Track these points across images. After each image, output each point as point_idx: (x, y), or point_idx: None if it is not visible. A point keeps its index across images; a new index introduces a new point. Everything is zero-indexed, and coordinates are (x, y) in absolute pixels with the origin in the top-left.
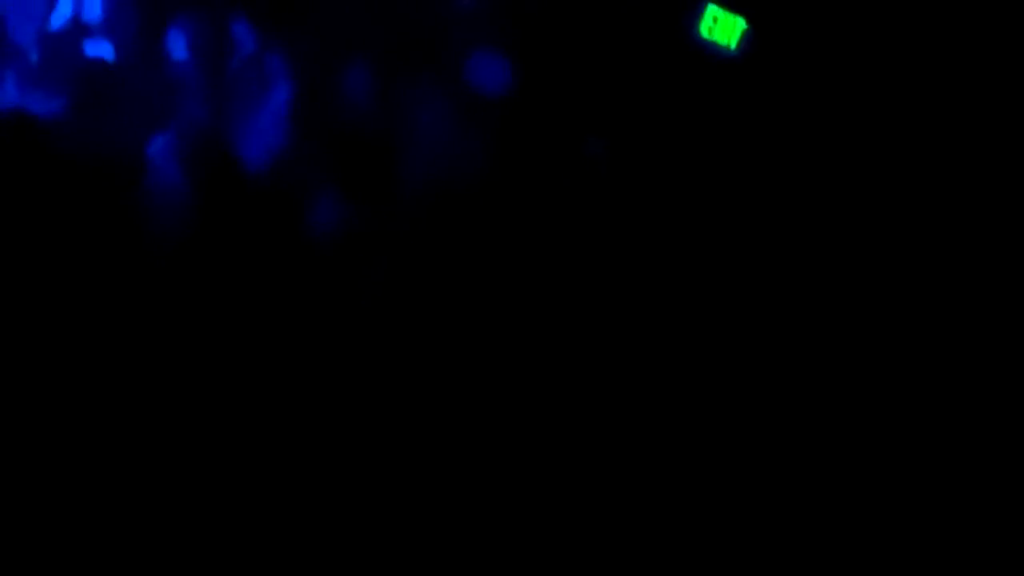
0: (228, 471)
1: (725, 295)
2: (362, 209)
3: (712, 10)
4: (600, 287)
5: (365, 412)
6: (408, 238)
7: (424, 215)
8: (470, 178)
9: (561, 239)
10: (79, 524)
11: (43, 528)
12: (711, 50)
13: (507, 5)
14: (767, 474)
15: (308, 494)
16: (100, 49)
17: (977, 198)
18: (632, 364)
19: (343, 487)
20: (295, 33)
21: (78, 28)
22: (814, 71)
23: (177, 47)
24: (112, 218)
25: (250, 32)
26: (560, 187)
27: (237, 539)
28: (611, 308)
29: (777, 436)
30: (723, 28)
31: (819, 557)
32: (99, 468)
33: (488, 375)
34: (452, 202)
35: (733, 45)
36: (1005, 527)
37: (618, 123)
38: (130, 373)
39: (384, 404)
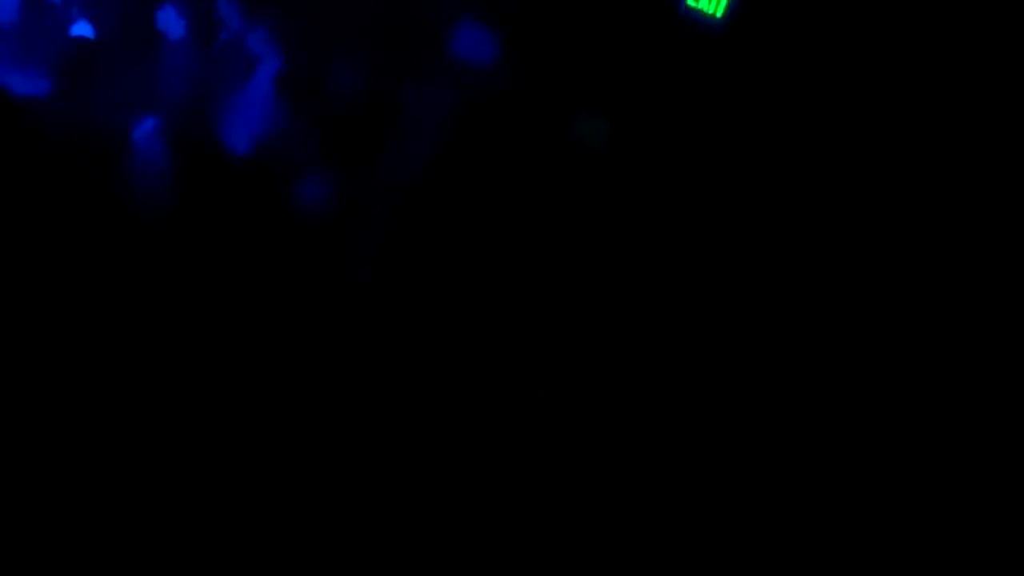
0: (214, 448)
1: (714, 266)
2: (349, 186)
3: None
4: (591, 262)
5: (353, 392)
6: (396, 214)
7: (412, 191)
8: (458, 153)
9: (552, 212)
10: (59, 497)
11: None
12: (698, 19)
13: None
14: (766, 472)
15: (297, 476)
16: (83, 29)
17: (964, 172)
18: (624, 344)
19: (332, 469)
20: (280, 10)
21: (61, 7)
22: (800, 41)
23: (162, 26)
24: (97, 197)
25: (235, 10)
26: (550, 160)
27: (218, 516)
28: (602, 283)
29: (772, 423)
30: None
31: (819, 557)
32: (80, 440)
33: (477, 354)
34: (440, 177)
35: (719, 14)
36: (1005, 527)
37: (608, 95)
38: (116, 352)
39: (373, 383)
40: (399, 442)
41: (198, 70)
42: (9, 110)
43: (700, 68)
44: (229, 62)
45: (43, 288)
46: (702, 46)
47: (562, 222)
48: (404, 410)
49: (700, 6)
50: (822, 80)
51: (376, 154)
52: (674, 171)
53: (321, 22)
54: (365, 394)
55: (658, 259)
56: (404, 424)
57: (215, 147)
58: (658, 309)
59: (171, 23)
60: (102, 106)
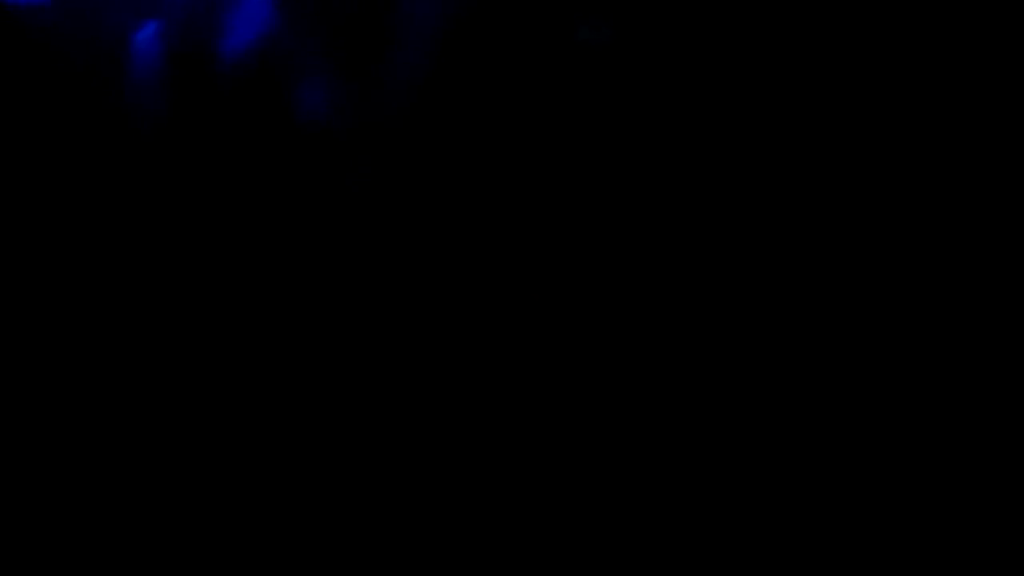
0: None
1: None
2: (353, 93)
3: None
4: (601, 172)
5: (353, 316)
6: (401, 122)
7: (417, 99)
8: (465, 60)
9: (556, 125)
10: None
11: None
12: None
13: None
14: (767, 473)
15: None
16: None
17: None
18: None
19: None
20: None
21: None
22: None
23: None
24: (96, 103)
25: None
26: (557, 70)
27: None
28: (612, 192)
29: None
30: None
31: (819, 557)
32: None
33: (479, 271)
34: (446, 84)
35: None
36: (1005, 527)
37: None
38: (111, 268)
39: (374, 296)
40: (399, 358)
41: None
42: (3, 16)
43: None
44: None
45: (40, 195)
46: None
47: (568, 128)
48: (404, 320)
49: None
50: (829, 29)
51: (379, 60)
52: (684, 75)
53: None
54: (365, 306)
55: (667, 168)
56: (401, 339)
57: (216, 52)
58: (667, 220)
59: None
60: (101, 11)
